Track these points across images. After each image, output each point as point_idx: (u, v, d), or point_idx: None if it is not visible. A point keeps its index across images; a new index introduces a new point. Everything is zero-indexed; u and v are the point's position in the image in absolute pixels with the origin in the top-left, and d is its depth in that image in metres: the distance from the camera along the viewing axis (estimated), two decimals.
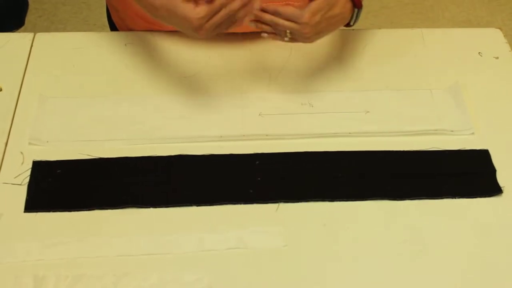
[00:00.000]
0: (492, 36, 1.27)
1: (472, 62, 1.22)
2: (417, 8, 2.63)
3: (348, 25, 1.10)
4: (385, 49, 1.24)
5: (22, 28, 2.31)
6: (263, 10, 1.01)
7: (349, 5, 1.06)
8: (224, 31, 1.00)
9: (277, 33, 1.03)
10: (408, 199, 1.01)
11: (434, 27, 1.78)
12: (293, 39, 1.03)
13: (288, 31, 1.02)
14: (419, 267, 0.93)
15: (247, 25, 1.18)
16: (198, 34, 0.98)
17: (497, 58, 1.23)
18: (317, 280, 0.92)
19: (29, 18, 1.94)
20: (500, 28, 1.29)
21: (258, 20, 1.02)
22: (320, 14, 1.01)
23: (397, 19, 2.57)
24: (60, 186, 0.99)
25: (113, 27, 1.36)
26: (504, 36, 1.27)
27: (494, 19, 2.53)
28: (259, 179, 1.02)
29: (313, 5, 1.00)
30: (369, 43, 1.24)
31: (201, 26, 0.96)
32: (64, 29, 2.36)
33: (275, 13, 1.00)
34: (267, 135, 1.08)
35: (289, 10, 1.00)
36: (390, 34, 1.27)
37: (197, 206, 0.98)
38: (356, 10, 1.08)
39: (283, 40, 1.04)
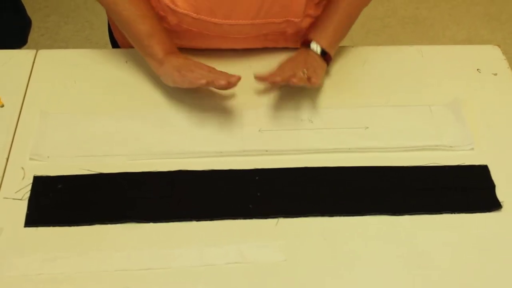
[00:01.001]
0: (491, 53, 1.28)
1: (470, 79, 1.23)
2: (418, 27, 2.64)
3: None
4: (384, 65, 1.24)
5: (25, 46, 2.33)
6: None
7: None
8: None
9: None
10: (408, 214, 1.01)
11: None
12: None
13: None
14: (418, 282, 0.93)
15: (248, 41, 1.20)
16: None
17: (495, 74, 1.23)
18: None
19: (32, 36, 1.96)
20: (498, 45, 1.29)
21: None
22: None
23: (398, 38, 2.59)
24: (60, 201, 1.00)
25: (115, 45, 1.37)
26: (503, 53, 1.28)
27: (494, 38, 2.54)
28: (258, 194, 1.02)
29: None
30: (368, 59, 1.25)
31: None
32: (66, 47, 2.38)
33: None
34: (266, 151, 1.08)
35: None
36: (389, 51, 1.28)
37: (197, 221, 0.99)
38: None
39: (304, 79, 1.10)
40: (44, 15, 2.54)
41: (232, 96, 1.16)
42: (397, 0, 2.75)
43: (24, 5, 1.88)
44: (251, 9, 1.11)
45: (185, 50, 1.18)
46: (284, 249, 0.96)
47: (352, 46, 1.28)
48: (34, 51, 1.23)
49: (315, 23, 1.19)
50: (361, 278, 0.94)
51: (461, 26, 2.64)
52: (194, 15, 1.11)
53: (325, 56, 1.16)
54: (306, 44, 1.16)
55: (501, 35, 2.58)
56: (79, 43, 2.44)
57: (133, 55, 1.22)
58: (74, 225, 0.97)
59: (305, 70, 1.10)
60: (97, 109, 1.13)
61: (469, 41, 2.57)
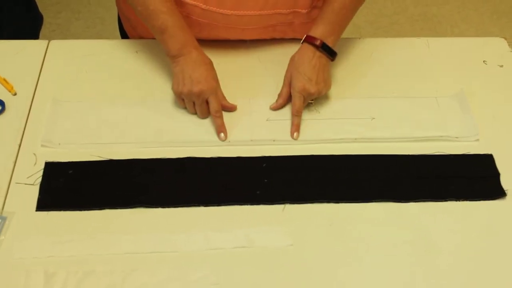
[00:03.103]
0: (497, 45, 1.29)
1: (477, 70, 1.24)
2: (427, 24, 2.65)
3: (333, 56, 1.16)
4: (392, 57, 1.26)
5: None
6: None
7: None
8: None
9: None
10: (413, 201, 1.02)
11: None
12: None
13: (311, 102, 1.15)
14: (423, 268, 0.94)
15: (256, 32, 1.21)
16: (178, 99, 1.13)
17: (501, 66, 1.24)
18: (322, 278, 0.93)
19: (43, 32, 1.97)
20: (504, 38, 1.30)
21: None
22: (307, 92, 1.12)
23: (407, 35, 2.59)
24: (71, 186, 1.01)
25: (124, 37, 1.39)
26: (509, 45, 1.28)
27: (503, 35, 2.53)
28: (266, 180, 1.03)
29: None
30: (375, 51, 1.26)
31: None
32: None
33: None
34: (274, 140, 1.10)
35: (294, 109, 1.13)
36: (396, 42, 1.30)
37: (205, 206, 1.00)
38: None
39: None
40: (55, 11, 2.56)
41: (240, 85, 1.17)
42: None
43: (36, 1, 1.90)
44: (259, 0, 1.12)
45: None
46: (291, 234, 0.97)
47: (360, 38, 1.29)
48: (47, 41, 1.25)
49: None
50: (366, 263, 0.95)
51: (469, 24, 2.65)
52: (203, 6, 1.13)
53: (327, 50, 1.14)
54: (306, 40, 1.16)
55: (509, 33, 2.58)
56: (90, 39, 2.45)
57: (143, 46, 1.24)
58: (84, 210, 0.99)
59: (312, 103, 1.15)
60: (107, 98, 1.15)
61: None
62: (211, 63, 1.12)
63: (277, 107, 1.15)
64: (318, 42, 1.12)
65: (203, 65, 1.10)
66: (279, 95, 1.15)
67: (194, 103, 1.11)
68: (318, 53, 1.13)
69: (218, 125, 1.10)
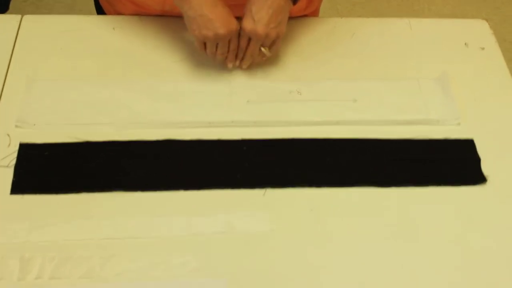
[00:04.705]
0: (479, 27, 1.28)
1: (458, 53, 1.23)
2: (403, 1, 2.64)
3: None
4: (373, 38, 1.24)
5: (7, 13, 2.29)
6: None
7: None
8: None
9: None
10: (394, 187, 1.02)
11: None
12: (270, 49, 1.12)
13: (262, 48, 1.10)
14: (404, 253, 0.94)
15: (237, 10, 1.18)
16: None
17: (483, 49, 1.24)
18: (303, 263, 0.92)
19: (14, 3, 1.92)
20: (486, 20, 1.30)
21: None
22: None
23: (384, 11, 2.59)
24: (47, 169, 0.99)
25: (100, 12, 1.35)
26: (490, 27, 1.28)
27: (478, 14, 2.54)
28: (246, 164, 1.02)
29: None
30: (357, 31, 1.25)
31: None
32: (49, 14, 2.34)
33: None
34: (254, 122, 1.08)
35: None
36: (378, 23, 1.28)
37: (185, 190, 0.99)
38: None
39: (267, 55, 1.12)
40: None
41: (219, 66, 1.15)
42: None
43: None
44: None
45: (171, 18, 1.18)
46: (272, 220, 0.96)
47: (341, 18, 1.27)
48: (19, 16, 1.20)
49: None
50: (347, 249, 0.94)
51: (446, 2, 2.64)
52: None
53: None
54: None
55: (485, 11, 2.59)
56: (62, 9, 2.40)
57: (121, 22, 1.21)
58: (60, 193, 0.96)
59: (266, 49, 1.11)
60: (84, 77, 1.12)
61: (453, 16, 2.57)
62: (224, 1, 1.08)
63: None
64: None
65: (219, 4, 1.06)
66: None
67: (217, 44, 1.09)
68: None
69: (230, 60, 1.12)
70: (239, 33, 1.09)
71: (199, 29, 1.06)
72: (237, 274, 0.91)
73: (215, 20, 1.05)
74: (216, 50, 1.10)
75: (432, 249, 0.95)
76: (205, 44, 1.09)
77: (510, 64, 1.24)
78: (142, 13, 1.22)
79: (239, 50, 1.11)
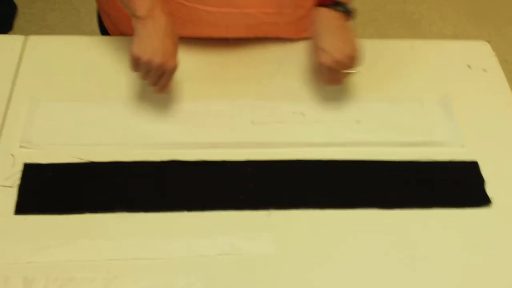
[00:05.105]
0: (481, 49, 1.29)
1: (461, 74, 1.24)
2: (405, 22, 2.65)
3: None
4: (375, 59, 1.24)
5: (10, 32, 2.30)
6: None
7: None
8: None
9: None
10: (398, 209, 1.01)
11: None
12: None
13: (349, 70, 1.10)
14: (407, 276, 0.94)
15: (239, 31, 1.19)
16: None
17: (485, 70, 1.24)
18: (307, 285, 0.92)
19: (18, 22, 1.93)
20: (488, 41, 1.30)
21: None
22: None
23: (385, 32, 2.59)
24: (51, 189, 0.99)
25: (104, 33, 1.36)
26: (492, 49, 1.28)
27: (480, 34, 2.55)
28: (250, 185, 1.02)
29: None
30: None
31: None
32: (52, 34, 2.35)
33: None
34: (259, 143, 1.08)
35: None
36: (380, 44, 1.29)
37: (189, 211, 0.98)
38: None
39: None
40: (30, 1, 2.50)
41: (223, 87, 1.15)
42: None
43: None
44: None
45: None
46: (276, 241, 0.96)
47: None
48: (23, 37, 1.21)
49: None
50: (352, 270, 0.94)
51: (447, 22, 2.65)
52: (187, 3, 1.11)
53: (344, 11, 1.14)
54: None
55: (487, 32, 2.60)
56: (66, 30, 2.41)
57: (124, 43, 1.21)
58: (64, 214, 0.96)
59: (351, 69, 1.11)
60: (88, 97, 1.12)
61: (455, 37, 2.58)
62: (177, 37, 1.05)
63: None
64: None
65: (171, 37, 1.03)
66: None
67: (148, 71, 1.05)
68: (337, 14, 1.12)
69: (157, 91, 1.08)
70: (327, 66, 1.09)
71: (138, 49, 1.02)
72: None
73: (158, 49, 1.02)
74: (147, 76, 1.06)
75: (436, 271, 0.95)
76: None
77: None
78: None
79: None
